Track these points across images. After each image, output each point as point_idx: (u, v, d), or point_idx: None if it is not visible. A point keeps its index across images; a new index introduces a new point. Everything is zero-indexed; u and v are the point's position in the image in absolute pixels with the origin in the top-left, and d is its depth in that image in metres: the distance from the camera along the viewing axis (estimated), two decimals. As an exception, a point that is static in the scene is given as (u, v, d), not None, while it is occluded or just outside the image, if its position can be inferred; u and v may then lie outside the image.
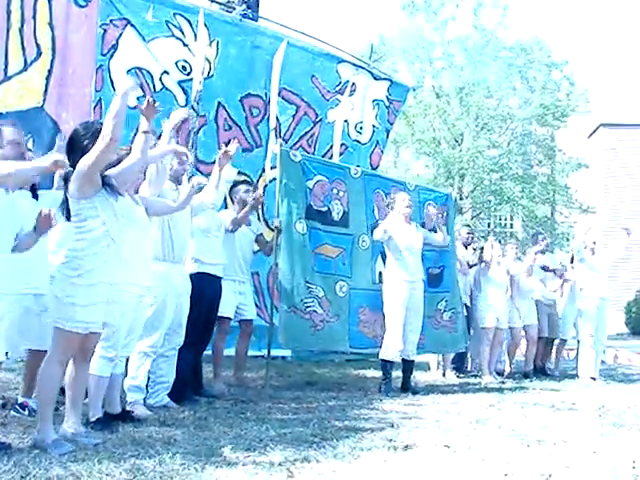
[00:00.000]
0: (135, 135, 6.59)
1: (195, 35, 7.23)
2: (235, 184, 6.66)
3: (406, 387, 6.58)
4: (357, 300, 6.85)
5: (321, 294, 6.51)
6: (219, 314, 5.99)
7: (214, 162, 7.42)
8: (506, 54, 24.18)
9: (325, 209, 6.78)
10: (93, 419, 4.12)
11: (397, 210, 6.82)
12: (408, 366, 6.72)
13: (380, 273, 7.07)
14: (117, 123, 3.55)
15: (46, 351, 4.38)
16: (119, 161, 4.22)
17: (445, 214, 7.83)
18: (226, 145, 7.59)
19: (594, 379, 7.83)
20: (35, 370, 4.51)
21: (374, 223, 7.13)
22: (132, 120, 6.92)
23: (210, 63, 7.32)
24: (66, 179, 3.71)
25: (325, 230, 6.73)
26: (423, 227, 7.21)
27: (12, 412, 4.51)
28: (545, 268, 8.83)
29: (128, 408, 4.61)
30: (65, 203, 3.73)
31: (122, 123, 3.58)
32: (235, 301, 6.24)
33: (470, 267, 8.31)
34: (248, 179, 7.57)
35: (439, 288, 7.42)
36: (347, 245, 6.89)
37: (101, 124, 3.77)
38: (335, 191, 6.90)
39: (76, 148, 3.71)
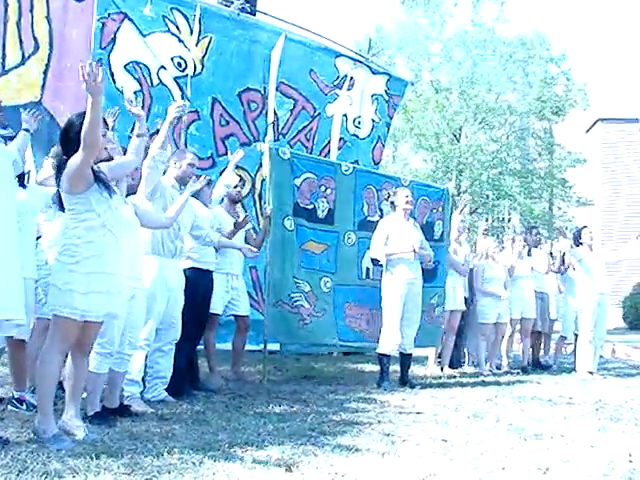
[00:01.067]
0: (132, 129, 6.59)
1: (191, 30, 7.22)
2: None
3: (404, 381, 6.59)
4: (342, 295, 6.96)
5: (307, 289, 6.61)
6: (210, 311, 6.01)
7: (209, 157, 7.49)
8: (504, 48, 24.19)
9: (311, 207, 6.86)
10: (91, 414, 4.12)
11: (398, 206, 6.79)
12: (405, 360, 6.72)
13: (368, 269, 7.16)
14: (93, 132, 3.51)
15: (24, 341, 4.45)
16: (111, 158, 4.24)
17: (441, 209, 7.84)
18: (223, 141, 7.63)
19: (591, 373, 7.84)
20: (20, 361, 4.58)
21: (363, 219, 7.21)
22: (129, 114, 6.94)
23: (196, 62, 7.30)
24: (59, 168, 3.71)
25: (310, 227, 6.81)
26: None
27: (9, 407, 4.51)
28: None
29: (126, 403, 4.61)
30: (59, 195, 3.73)
31: (98, 130, 3.55)
32: (225, 297, 6.24)
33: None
34: (242, 174, 7.57)
35: (433, 283, 7.44)
36: (332, 242, 6.98)
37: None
38: (323, 188, 6.95)
39: (71, 138, 3.69)
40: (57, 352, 3.64)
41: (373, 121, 9.30)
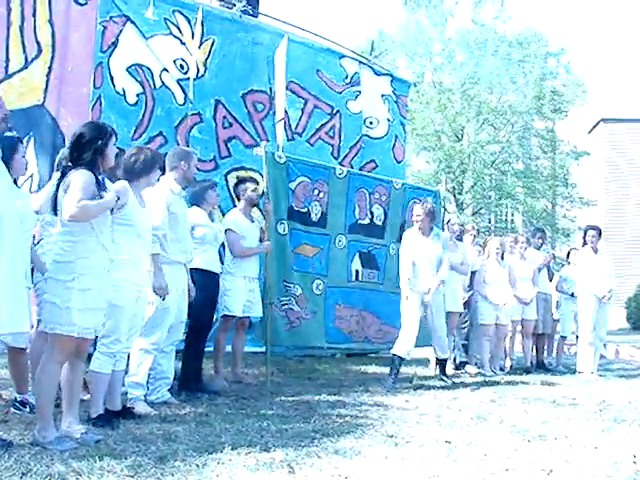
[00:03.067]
0: (135, 131, 6.62)
1: (193, 33, 7.24)
2: (242, 181, 6.65)
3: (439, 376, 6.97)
4: (333, 297, 7.09)
5: (299, 292, 6.69)
6: (228, 313, 6.09)
7: (212, 159, 7.51)
8: (505, 47, 24.25)
9: (305, 210, 6.94)
10: (94, 415, 4.13)
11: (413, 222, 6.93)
12: (441, 363, 7.05)
13: (357, 271, 7.33)
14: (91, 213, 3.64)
15: (22, 348, 4.46)
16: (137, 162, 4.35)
17: None
18: (225, 144, 7.65)
19: (592, 374, 7.83)
20: (19, 366, 4.60)
21: (354, 223, 7.33)
22: (132, 117, 6.99)
23: (199, 65, 7.32)
24: (64, 173, 3.72)
25: (304, 230, 6.89)
26: (403, 226, 7.46)
27: (12, 409, 4.52)
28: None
29: (129, 405, 4.61)
30: (55, 198, 3.73)
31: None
32: (244, 299, 6.26)
33: None
34: (254, 176, 7.57)
35: None
36: (324, 245, 7.08)
37: (110, 127, 3.90)
38: (316, 192, 7.02)
39: (85, 146, 3.73)
40: (55, 363, 3.66)
41: (388, 120, 9.33)
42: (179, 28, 7.20)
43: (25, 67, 6.26)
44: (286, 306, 6.58)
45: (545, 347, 9.29)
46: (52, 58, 6.36)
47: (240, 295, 6.17)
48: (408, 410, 5.10)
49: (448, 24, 24.82)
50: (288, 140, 7.98)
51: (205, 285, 5.51)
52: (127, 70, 6.82)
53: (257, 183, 6.54)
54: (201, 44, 7.35)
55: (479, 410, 5.12)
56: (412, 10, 24.89)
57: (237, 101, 7.75)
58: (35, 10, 6.28)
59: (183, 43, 7.22)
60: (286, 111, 7.98)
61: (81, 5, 6.50)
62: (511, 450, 3.75)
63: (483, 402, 5.58)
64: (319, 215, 7.04)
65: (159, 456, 3.34)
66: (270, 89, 7.95)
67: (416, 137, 23.82)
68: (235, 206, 7.00)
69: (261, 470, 3.19)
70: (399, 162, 9.46)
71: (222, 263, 6.16)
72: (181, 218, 5.02)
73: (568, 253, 9.83)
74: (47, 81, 6.34)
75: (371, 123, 9.14)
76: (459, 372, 8.01)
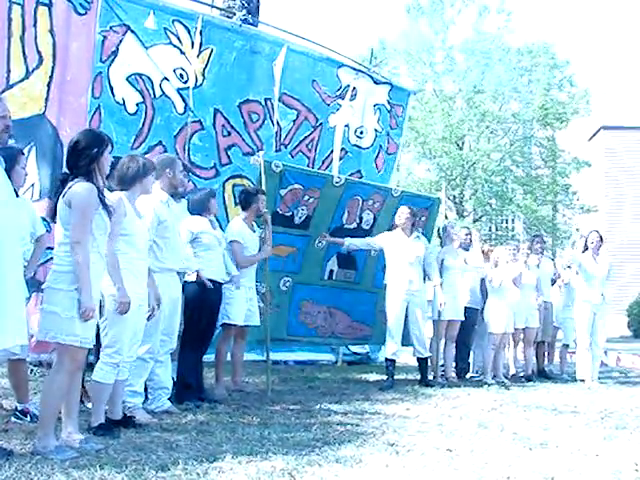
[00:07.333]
0: (135, 140, 6.61)
1: (192, 43, 7.25)
2: (256, 192, 6.61)
3: (424, 382, 7.24)
4: (300, 293, 7.43)
5: (264, 290, 6.80)
6: (229, 321, 6.10)
7: (212, 167, 7.52)
8: (509, 57, 24.34)
9: (289, 214, 7.14)
10: (95, 425, 4.12)
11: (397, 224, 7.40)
12: (423, 363, 7.39)
13: (331, 271, 7.66)
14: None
15: (22, 359, 4.47)
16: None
17: (424, 218, 8.03)
18: (225, 151, 7.66)
19: (593, 381, 7.82)
20: (19, 376, 4.60)
21: (339, 226, 7.55)
22: (131, 126, 6.99)
23: (197, 74, 7.33)
24: (63, 181, 3.73)
25: (282, 232, 7.04)
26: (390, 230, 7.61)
27: (13, 419, 4.51)
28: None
29: (128, 414, 4.59)
30: (55, 206, 3.73)
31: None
32: (245, 309, 6.27)
33: None
34: (246, 183, 7.60)
35: None
36: (301, 245, 7.35)
37: (106, 136, 3.89)
38: (306, 198, 7.18)
39: (81, 154, 3.72)
40: (65, 373, 3.64)
41: (376, 131, 9.30)
42: (179, 38, 7.21)
43: (26, 77, 6.26)
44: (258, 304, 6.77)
45: (546, 355, 9.28)
46: (53, 68, 6.36)
47: (241, 304, 6.19)
48: (409, 418, 5.09)
49: (450, 32, 24.94)
50: (276, 151, 8.02)
51: (206, 294, 5.52)
52: (127, 79, 6.83)
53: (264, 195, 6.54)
54: (200, 53, 7.37)
55: (480, 418, 5.11)
56: (415, 18, 24.98)
57: (234, 110, 7.75)
58: (36, 20, 6.29)
59: (183, 52, 7.23)
60: (278, 123, 8.01)
61: (81, 15, 6.52)
62: (512, 458, 3.75)
63: (484, 410, 5.58)
64: (303, 218, 7.25)
65: (160, 465, 3.34)
66: (265, 100, 7.95)
67: (418, 145, 23.85)
68: (227, 215, 7.08)
69: (262, 479, 3.19)
70: (379, 172, 9.40)
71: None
72: (171, 226, 4.98)
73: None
74: (48, 91, 6.34)
75: (361, 133, 9.13)
76: (459, 380, 8.00)
